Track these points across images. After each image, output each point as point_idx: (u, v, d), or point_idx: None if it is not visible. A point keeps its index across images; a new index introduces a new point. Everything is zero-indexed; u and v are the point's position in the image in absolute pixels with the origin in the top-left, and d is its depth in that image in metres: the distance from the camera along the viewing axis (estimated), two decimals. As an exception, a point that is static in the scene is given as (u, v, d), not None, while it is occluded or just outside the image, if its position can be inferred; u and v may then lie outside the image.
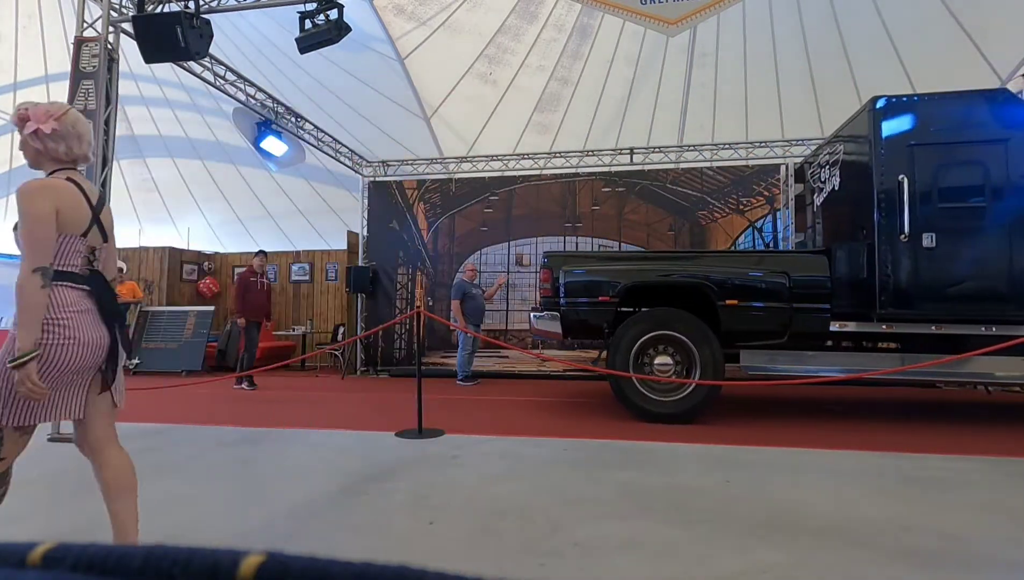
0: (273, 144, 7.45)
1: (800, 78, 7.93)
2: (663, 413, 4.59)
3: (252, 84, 6.79)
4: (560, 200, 8.46)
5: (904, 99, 4.63)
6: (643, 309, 4.93)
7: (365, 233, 8.97)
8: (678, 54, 8.25)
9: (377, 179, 9.08)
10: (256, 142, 7.42)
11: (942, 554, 2.12)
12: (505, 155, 8.85)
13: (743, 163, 7.94)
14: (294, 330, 9.75)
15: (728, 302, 4.63)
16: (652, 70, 8.45)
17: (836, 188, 5.35)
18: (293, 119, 7.65)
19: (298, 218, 11.02)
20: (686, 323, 4.65)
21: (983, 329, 4.35)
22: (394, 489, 2.91)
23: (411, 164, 9.03)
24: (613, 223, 8.15)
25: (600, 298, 4.78)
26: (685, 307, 4.75)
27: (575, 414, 5.17)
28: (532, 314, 5.23)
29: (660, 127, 8.88)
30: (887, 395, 6.27)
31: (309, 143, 8.04)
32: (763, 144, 7.97)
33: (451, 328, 7.83)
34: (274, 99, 7.23)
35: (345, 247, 9.72)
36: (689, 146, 8.27)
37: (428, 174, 9.04)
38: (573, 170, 8.66)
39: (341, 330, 9.29)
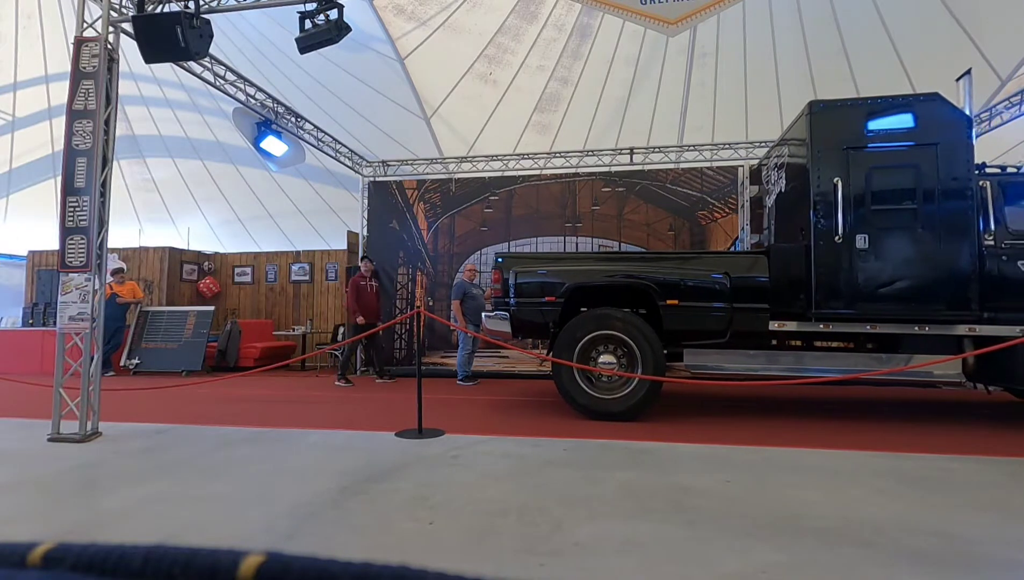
0: (273, 144, 7.45)
1: (800, 78, 7.94)
2: (607, 411, 4.69)
3: (252, 84, 6.79)
4: (560, 200, 8.46)
5: (839, 104, 4.75)
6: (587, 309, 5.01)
7: (365, 233, 8.97)
8: (678, 54, 8.25)
9: (377, 179, 9.08)
10: (256, 142, 7.43)
11: (942, 554, 2.12)
12: (505, 155, 8.85)
13: (742, 163, 7.94)
14: (294, 330, 9.75)
15: (669, 302, 4.73)
16: (652, 70, 8.46)
17: (783, 190, 5.44)
18: (293, 119, 7.65)
19: (298, 218, 11.03)
20: (627, 323, 4.74)
21: (916, 328, 4.44)
22: (394, 489, 2.91)
23: (411, 164, 9.04)
24: (613, 223, 8.15)
25: (546, 298, 4.89)
26: (630, 307, 4.88)
27: (574, 414, 5.18)
28: (484, 314, 5.33)
29: (660, 127, 8.89)
30: (885, 395, 6.27)
31: (309, 143, 8.05)
32: (762, 144, 7.98)
33: (451, 328, 7.84)
34: (274, 99, 7.24)
35: (345, 247, 9.73)
36: (689, 146, 8.27)
37: (428, 174, 9.03)
38: (573, 170, 8.66)
39: (341, 330, 9.30)
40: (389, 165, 9.11)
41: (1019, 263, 4.34)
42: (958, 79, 4.82)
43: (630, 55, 8.39)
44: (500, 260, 5.20)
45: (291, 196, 10.80)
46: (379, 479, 3.08)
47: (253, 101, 6.90)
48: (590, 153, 8.64)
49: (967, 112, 4.50)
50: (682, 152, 8.28)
